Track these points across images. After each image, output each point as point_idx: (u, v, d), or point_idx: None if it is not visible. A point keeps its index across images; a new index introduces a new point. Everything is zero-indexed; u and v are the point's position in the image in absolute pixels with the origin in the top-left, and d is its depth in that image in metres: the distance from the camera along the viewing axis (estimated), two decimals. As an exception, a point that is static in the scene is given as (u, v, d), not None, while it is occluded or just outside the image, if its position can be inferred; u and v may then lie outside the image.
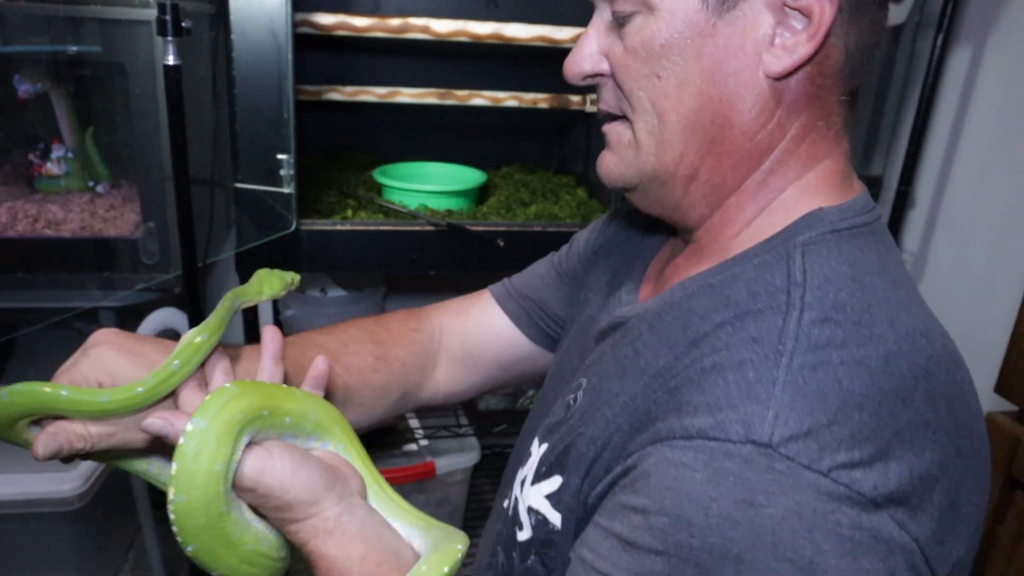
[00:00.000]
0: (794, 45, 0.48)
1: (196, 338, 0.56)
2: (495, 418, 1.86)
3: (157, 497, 1.86)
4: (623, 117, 0.55)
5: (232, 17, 1.10)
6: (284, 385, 0.60)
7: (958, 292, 1.61)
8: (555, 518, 0.54)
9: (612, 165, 0.58)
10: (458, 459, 1.62)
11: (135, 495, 1.60)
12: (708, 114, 0.51)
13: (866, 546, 0.40)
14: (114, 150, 1.38)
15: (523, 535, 0.57)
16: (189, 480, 0.50)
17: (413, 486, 1.57)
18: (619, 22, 0.53)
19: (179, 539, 0.52)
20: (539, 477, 0.57)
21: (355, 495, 0.57)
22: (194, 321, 1.19)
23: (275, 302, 1.84)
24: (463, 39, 1.34)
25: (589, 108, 1.52)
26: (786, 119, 0.52)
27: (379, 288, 1.80)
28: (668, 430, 0.44)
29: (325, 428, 0.59)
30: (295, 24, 1.19)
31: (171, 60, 1.01)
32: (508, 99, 1.48)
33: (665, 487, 0.42)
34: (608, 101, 0.57)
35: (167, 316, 1.45)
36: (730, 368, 0.44)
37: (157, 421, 0.52)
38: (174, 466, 0.50)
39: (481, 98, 1.47)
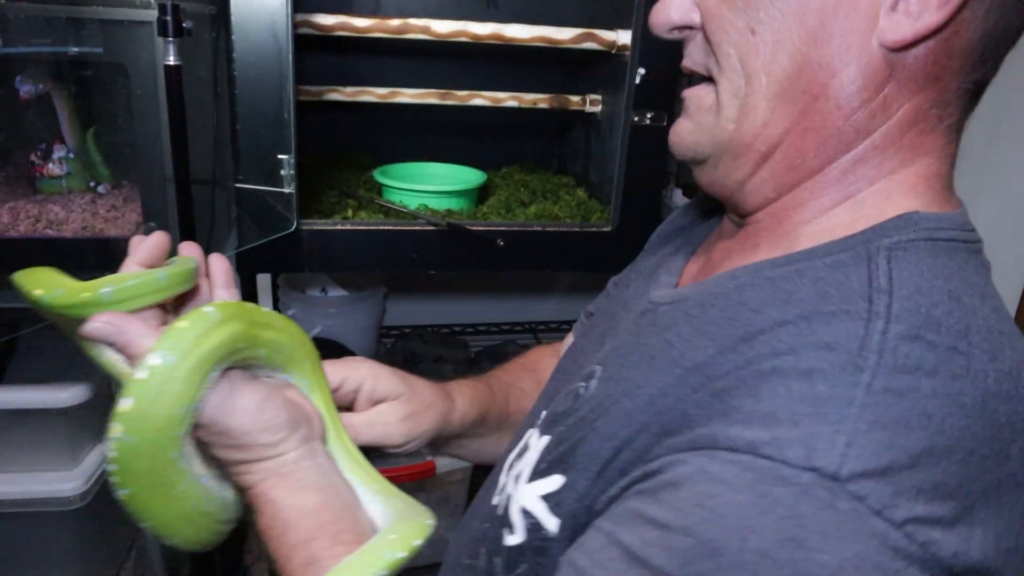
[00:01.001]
0: (919, 10, 0.41)
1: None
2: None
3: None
4: (708, 79, 0.49)
5: (233, 18, 1.11)
6: (265, 309, 0.54)
7: (957, 292, 1.61)
8: (551, 523, 0.46)
9: (686, 132, 0.51)
10: (458, 458, 1.62)
11: (136, 494, 1.60)
12: (803, 81, 0.44)
13: None
14: (115, 150, 1.39)
15: (513, 539, 0.50)
16: (142, 422, 0.43)
17: (413, 485, 1.57)
18: None
19: (114, 479, 0.45)
20: (537, 474, 0.49)
21: (317, 439, 0.52)
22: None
23: (275, 301, 1.84)
24: (463, 40, 1.35)
25: (589, 108, 1.53)
26: (895, 99, 0.43)
27: (379, 288, 1.80)
28: (710, 438, 0.37)
29: (295, 362, 0.54)
30: (296, 25, 1.19)
31: (172, 61, 1.01)
32: (508, 99, 1.49)
33: (696, 503, 0.35)
34: (694, 58, 0.50)
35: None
36: (795, 376, 0.37)
37: (105, 327, 0.45)
38: (127, 401, 0.43)
39: (481, 98, 1.47)
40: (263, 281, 1.82)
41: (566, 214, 1.46)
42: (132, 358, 0.46)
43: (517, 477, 0.52)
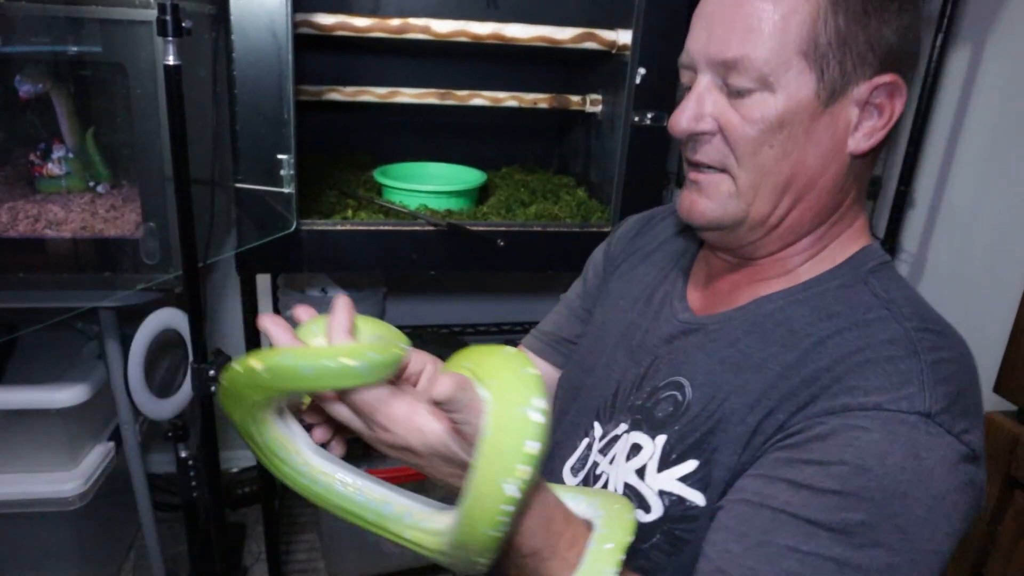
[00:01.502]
0: (872, 132, 0.64)
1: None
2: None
3: (157, 497, 1.87)
4: (721, 170, 0.66)
5: (233, 17, 1.11)
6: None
7: (957, 292, 1.61)
8: (695, 496, 0.62)
9: (709, 210, 0.68)
10: (458, 459, 1.62)
11: (136, 495, 1.60)
12: (802, 179, 0.65)
13: (970, 488, 0.56)
14: (115, 150, 1.39)
15: (649, 517, 0.64)
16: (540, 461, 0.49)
17: (414, 485, 1.57)
18: (736, 93, 0.63)
19: (505, 523, 0.50)
20: (668, 464, 0.64)
21: None
22: (194, 321, 1.19)
23: (275, 302, 1.84)
24: (463, 39, 1.35)
25: (589, 108, 1.52)
26: (851, 185, 0.67)
27: (379, 288, 1.80)
28: (844, 405, 0.56)
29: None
30: (295, 24, 1.19)
31: (171, 60, 1.01)
32: (508, 99, 1.48)
33: (846, 444, 0.54)
34: (710, 155, 0.66)
35: (167, 316, 1.45)
36: (883, 362, 0.58)
37: (451, 389, 0.51)
38: (536, 445, 0.48)
39: (481, 98, 1.47)
40: (263, 281, 1.82)
41: (566, 214, 1.46)
42: (472, 412, 0.52)
43: (641, 470, 0.66)
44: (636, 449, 0.68)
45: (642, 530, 0.63)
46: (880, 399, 0.56)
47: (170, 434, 1.57)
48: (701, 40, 0.64)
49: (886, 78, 0.63)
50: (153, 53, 1.19)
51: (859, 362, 0.58)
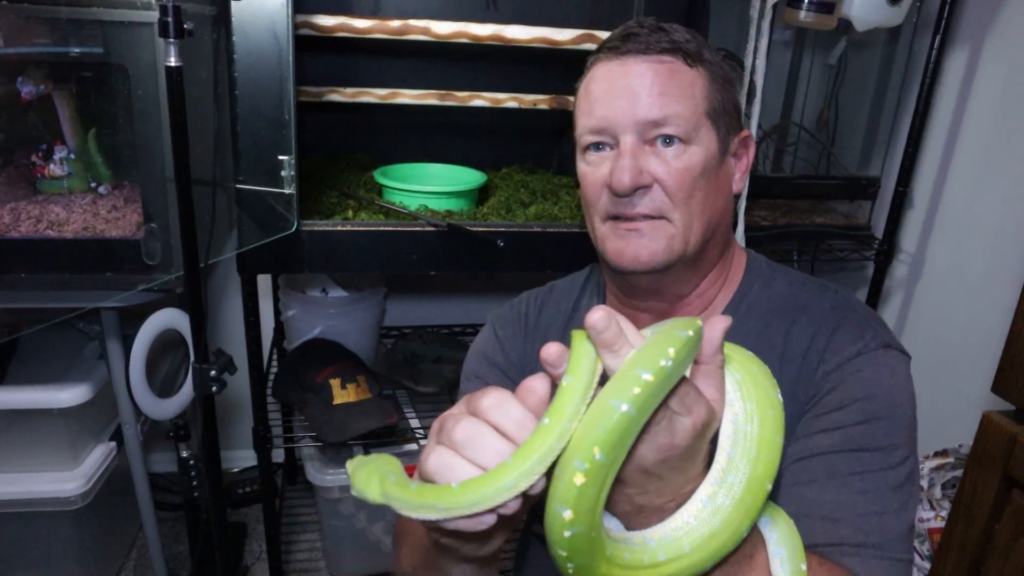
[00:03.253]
0: (743, 175, 0.85)
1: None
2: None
3: (159, 496, 1.87)
4: (659, 217, 0.77)
5: (233, 19, 1.11)
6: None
7: (955, 292, 1.61)
8: None
9: (659, 252, 0.78)
10: (458, 458, 1.62)
11: (137, 494, 1.60)
12: (716, 217, 0.80)
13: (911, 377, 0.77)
14: (116, 151, 1.39)
15: None
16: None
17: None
18: (666, 143, 0.76)
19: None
20: None
21: None
22: (195, 321, 1.20)
23: (275, 302, 1.85)
24: (463, 41, 1.35)
25: (588, 109, 1.53)
26: (730, 219, 0.86)
27: (379, 288, 1.80)
28: (837, 364, 0.75)
29: None
30: (296, 26, 1.19)
31: (173, 62, 1.02)
32: (508, 100, 1.49)
33: (851, 386, 0.73)
34: (650, 205, 0.77)
35: (169, 316, 1.46)
36: (841, 325, 0.77)
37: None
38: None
39: (481, 99, 1.47)
40: (263, 282, 1.82)
41: (566, 215, 1.46)
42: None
43: None
44: None
45: None
46: (856, 348, 0.75)
47: (171, 434, 1.57)
48: (623, 108, 0.76)
49: (743, 133, 0.84)
50: (154, 54, 1.19)
51: (829, 332, 0.77)
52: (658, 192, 0.77)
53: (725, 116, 0.80)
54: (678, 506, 0.52)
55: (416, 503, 0.48)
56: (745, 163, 0.85)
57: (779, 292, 0.83)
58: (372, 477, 0.52)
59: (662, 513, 0.52)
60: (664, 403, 0.48)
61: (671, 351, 0.46)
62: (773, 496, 0.65)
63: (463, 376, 0.98)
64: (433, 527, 0.51)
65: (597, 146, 0.80)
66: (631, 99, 0.76)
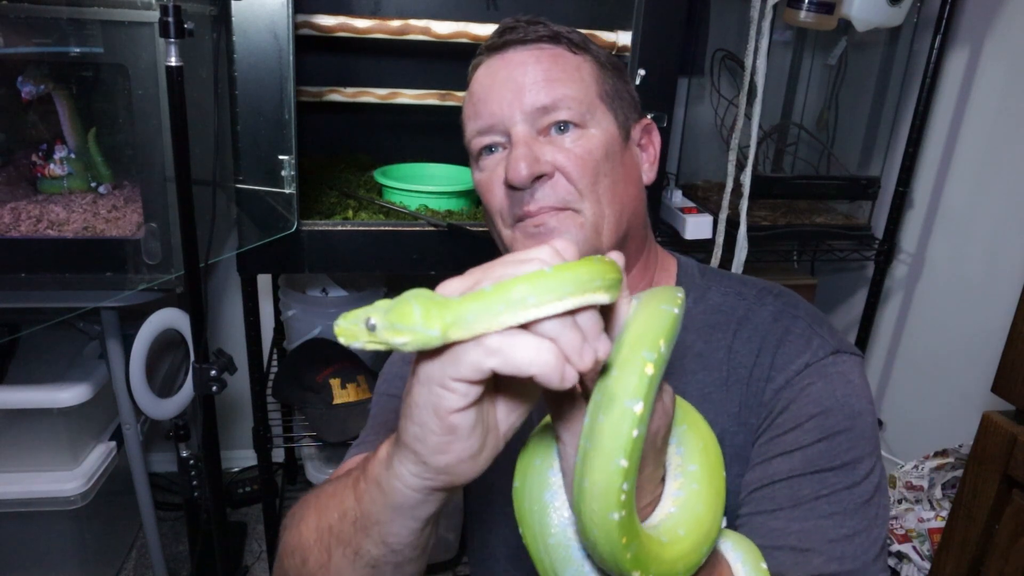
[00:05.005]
0: (652, 164, 0.80)
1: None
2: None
3: (159, 496, 1.87)
4: (563, 208, 0.71)
5: (234, 19, 1.11)
6: None
7: (955, 292, 1.61)
8: None
9: (576, 244, 0.71)
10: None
11: (137, 494, 1.60)
12: (629, 207, 0.74)
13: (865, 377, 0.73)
14: (116, 151, 1.39)
15: None
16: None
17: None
18: (560, 129, 0.71)
19: None
20: None
21: None
22: (195, 321, 1.20)
23: (275, 302, 1.85)
24: (464, 40, 1.35)
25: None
26: (647, 215, 0.80)
27: (379, 288, 1.80)
28: (786, 379, 0.70)
29: None
30: (296, 26, 1.19)
31: (173, 61, 1.02)
32: (508, 100, 1.49)
33: (804, 403, 0.68)
34: (553, 197, 0.71)
35: (169, 316, 1.46)
36: (786, 336, 0.72)
37: None
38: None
39: (481, 99, 1.47)
40: (264, 281, 1.82)
41: (566, 215, 1.46)
42: None
43: None
44: None
45: None
46: (803, 359, 0.70)
47: (171, 433, 1.57)
48: (508, 100, 0.71)
49: (644, 120, 0.79)
50: (155, 54, 1.19)
51: (773, 347, 0.72)
52: (561, 181, 0.71)
53: (620, 101, 0.75)
54: (654, 508, 0.53)
55: (501, 300, 0.36)
56: (653, 153, 0.79)
57: (715, 304, 0.77)
58: (396, 310, 0.39)
59: (642, 515, 0.52)
60: None
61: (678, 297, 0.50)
62: (734, 525, 0.67)
63: (376, 392, 0.90)
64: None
65: (489, 149, 0.74)
66: (516, 89, 0.71)
